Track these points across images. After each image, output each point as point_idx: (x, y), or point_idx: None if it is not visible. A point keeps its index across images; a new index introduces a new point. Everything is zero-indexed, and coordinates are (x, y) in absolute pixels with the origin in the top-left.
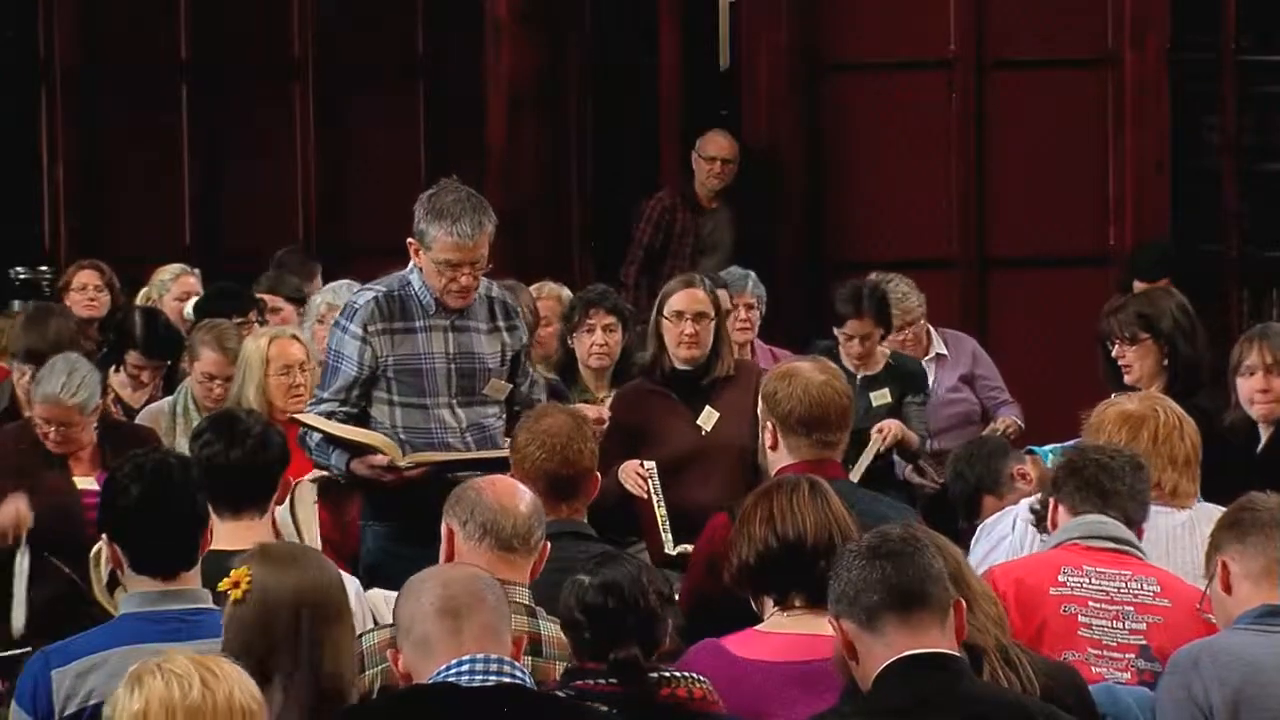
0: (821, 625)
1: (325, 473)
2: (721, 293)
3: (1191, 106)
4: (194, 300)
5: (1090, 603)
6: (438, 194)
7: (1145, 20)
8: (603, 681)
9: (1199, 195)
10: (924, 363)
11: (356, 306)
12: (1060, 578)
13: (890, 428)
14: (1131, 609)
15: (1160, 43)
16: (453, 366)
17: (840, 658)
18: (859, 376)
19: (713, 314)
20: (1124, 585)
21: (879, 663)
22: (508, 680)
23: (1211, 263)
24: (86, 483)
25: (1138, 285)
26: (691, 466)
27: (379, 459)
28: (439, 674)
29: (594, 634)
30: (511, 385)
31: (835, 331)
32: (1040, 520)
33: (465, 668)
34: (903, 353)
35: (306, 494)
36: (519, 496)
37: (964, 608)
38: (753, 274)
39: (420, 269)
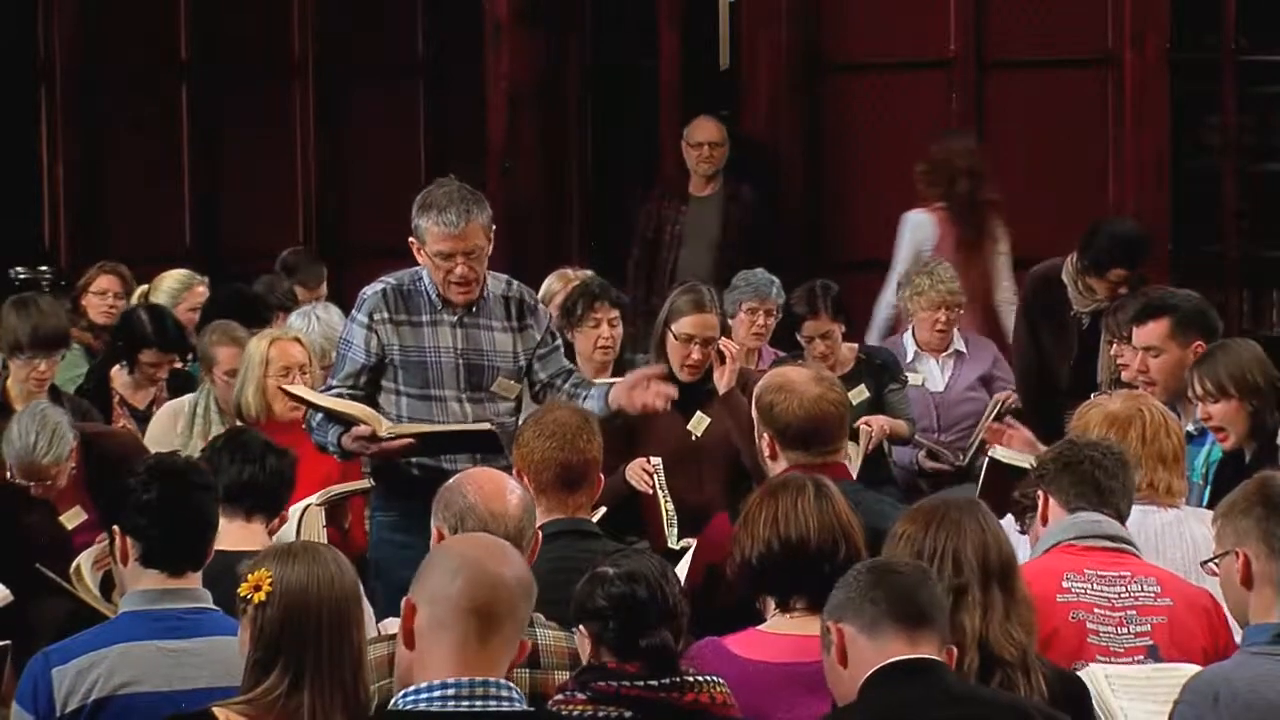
0: None
1: (329, 497)
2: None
3: (1191, 106)
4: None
5: (1096, 609)
6: (429, 190)
7: (1145, 20)
8: (627, 684)
9: (1199, 195)
10: (941, 358)
11: (365, 297)
12: (1065, 584)
13: (875, 423)
14: (1134, 612)
15: (1160, 43)
16: (460, 361)
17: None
18: None
19: (719, 335)
20: (1125, 589)
21: (869, 669)
22: (493, 708)
23: (1211, 263)
24: (74, 517)
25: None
26: (681, 469)
27: (363, 429)
28: (425, 692)
29: (619, 624)
30: (520, 386)
31: (796, 336)
32: (1025, 512)
33: (451, 691)
34: (878, 347)
35: (315, 519)
36: (508, 497)
37: (954, 656)
38: (778, 281)
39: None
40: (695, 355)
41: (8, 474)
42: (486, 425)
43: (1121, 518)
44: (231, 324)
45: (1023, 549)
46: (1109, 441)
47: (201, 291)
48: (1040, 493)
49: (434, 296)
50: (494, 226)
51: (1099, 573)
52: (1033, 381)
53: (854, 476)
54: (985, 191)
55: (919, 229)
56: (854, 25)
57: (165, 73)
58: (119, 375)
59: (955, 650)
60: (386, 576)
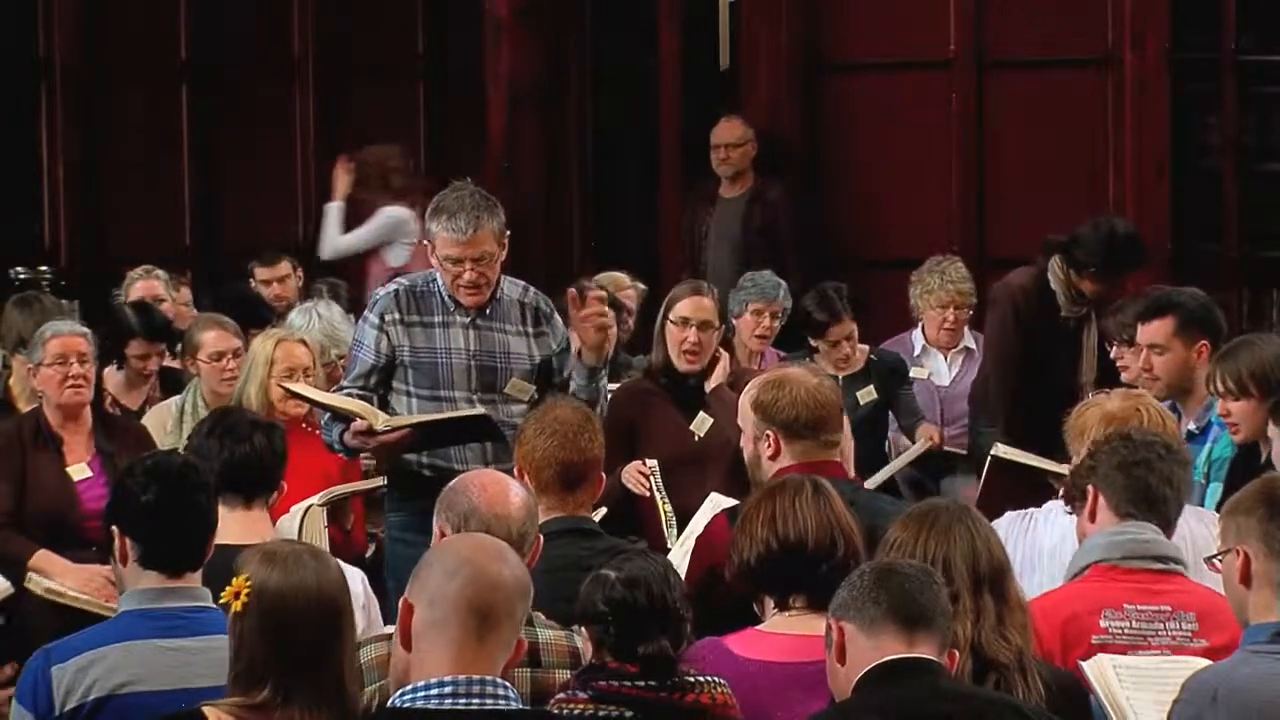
0: (822, 626)
1: (332, 497)
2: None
3: (1191, 106)
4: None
5: (1129, 651)
6: (444, 193)
7: (1145, 20)
8: (628, 684)
9: (1199, 195)
10: (952, 353)
11: (377, 298)
12: (1103, 622)
13: (932, 432)
14: (1167, 653)
15: (1160, 43)
16: (473, 363)
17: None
18: (840, 377)
19: (717, 323)
20: (1161, 627)
21: (865, 667)
22: (489, 706)
23: (1211, 263)
24: (80, 471)
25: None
26: (684, 470)
27: (360, 424)
28: (422, 690)
29: (619, 630)
30: (534, 387)
31: (815, 342)
32: (1071, 500)
33: (449, 689)
34: (887, 349)
35: (316, 519)
36: (511, 499)
37: (957, 660)
38: (784, 284)
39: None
40: (691, 337)
41: (41, 404)
42: (481, 410)
43: (1170, 524)
44: (217, 314)
45: (1060, 529)
46: (1164, 437)
47: (155, 286)
48: (1090, 487)
49: (447, 298)
50: (508, 232)
51: (1138, 607)
52: (1017, 385)
53: (884, 478)
54: (413, 185)
55: (401, 222)
56: (854, 25)
57: (165, 73)
58: (111, 376)
59: (957, 654)
60: (399, 576)
